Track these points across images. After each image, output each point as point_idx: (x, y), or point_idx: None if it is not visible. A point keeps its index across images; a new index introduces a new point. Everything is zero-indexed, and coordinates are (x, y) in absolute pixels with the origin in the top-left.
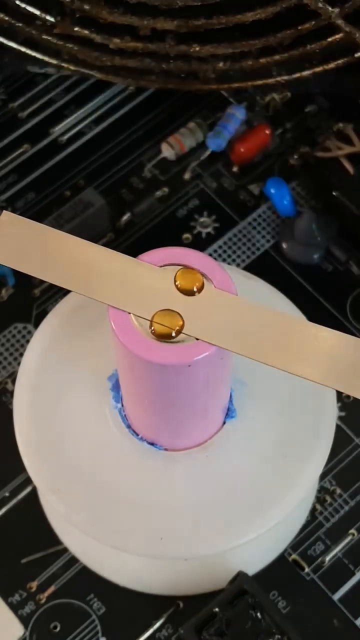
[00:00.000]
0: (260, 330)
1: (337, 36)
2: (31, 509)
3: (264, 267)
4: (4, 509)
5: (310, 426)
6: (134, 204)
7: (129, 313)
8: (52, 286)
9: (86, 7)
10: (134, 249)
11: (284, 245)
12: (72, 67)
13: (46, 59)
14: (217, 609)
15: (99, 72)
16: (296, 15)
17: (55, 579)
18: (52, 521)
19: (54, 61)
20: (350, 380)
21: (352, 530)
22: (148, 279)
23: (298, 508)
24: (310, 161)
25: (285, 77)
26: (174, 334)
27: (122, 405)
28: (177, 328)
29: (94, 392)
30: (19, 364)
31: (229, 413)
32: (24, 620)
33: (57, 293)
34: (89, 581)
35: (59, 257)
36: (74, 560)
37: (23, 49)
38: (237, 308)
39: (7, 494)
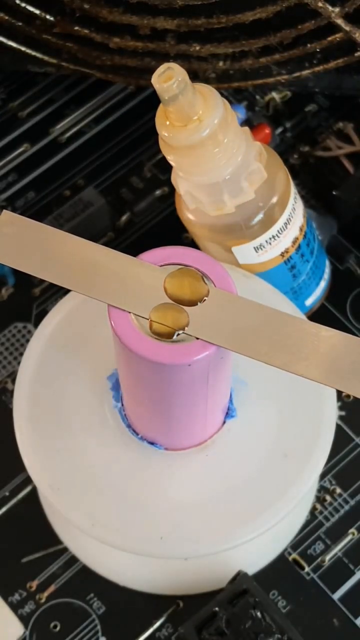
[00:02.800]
0: (260, 329)
1: (337, 35)
2: (31, 508)
3: None
4: (4, 509)
5: (310, 425)
6: (134, 203)
7: (129, 312)
8: (52, 286)
9: (86, 6)
10: (134, 249)
11: None
12: (71, 67)
13: (46, 58)
14: (217, 609)
15: (99, 71)
16: (296, 15)
17: (55, 578)
18: (52, 521)
19: (53, 60)
20: (350, 380)
21: (352, 530)
22: (148, 278)
23: (298, 507)
24: (310, 160)
25: (286, 77)
26: (175, 334)
27: (122, 405)
28: (177, 328)
29: (93, 392)
30: (19, 363)
31: (229, 412)
32: (24, 619)
33: (57, 292)
34: (88, 581)
35: (58, 256)
36: (73, 559)
37: (23, 48)
38: (237, 307)
39: (7, 494)
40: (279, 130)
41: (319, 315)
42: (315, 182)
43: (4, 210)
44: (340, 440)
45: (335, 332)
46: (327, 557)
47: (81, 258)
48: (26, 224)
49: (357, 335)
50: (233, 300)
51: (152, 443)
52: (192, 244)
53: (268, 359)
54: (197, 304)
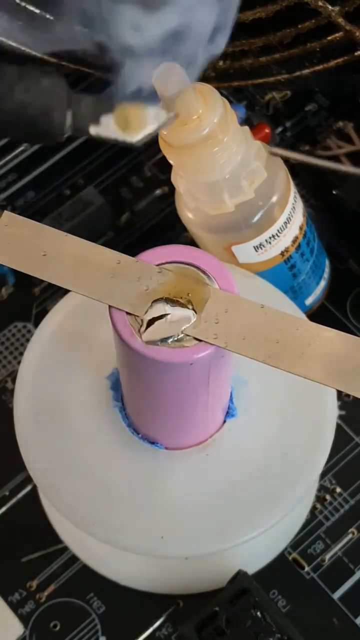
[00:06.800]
0: (261, 330)
1: (337, 34)
2: (31, 507)
3: None
4: (4, 508)
5: (311, 425)
6: (133, 203)
7: (128, 313)
8: (52, 285)
9: None
10: (133, 248)
11: None
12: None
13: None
14: (217, 608)
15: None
16: (296, 14)
17: (55, 577)
18: (52, 520)
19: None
20: (351, 380)
21: (352, 529)
22: (148, 278)
23: (298, 507)
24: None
25: (286, 76)
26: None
27: (123, 404)
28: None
29: (94, 391)
30: (19, 363)
31: (230, 412)
32: (24, 619)
33: (57, 292)
34: (88, 580)
35: (58, 256)
36: (73, 559)
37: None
38: (238, 307)
39: (7, 493)
40: (279, 129)
41: (319, 315)
42: (315, 182)
43: (5, 211)
44: (340, 439)
45: (337, 332)
46: (327, 557)
47: (80, 258)
48: (26, 224)
49: (357, 335)
50: (234, 300)
51: (152, 442)
52: (192, 243)
53: (269, 359)
54: (197, 304)
